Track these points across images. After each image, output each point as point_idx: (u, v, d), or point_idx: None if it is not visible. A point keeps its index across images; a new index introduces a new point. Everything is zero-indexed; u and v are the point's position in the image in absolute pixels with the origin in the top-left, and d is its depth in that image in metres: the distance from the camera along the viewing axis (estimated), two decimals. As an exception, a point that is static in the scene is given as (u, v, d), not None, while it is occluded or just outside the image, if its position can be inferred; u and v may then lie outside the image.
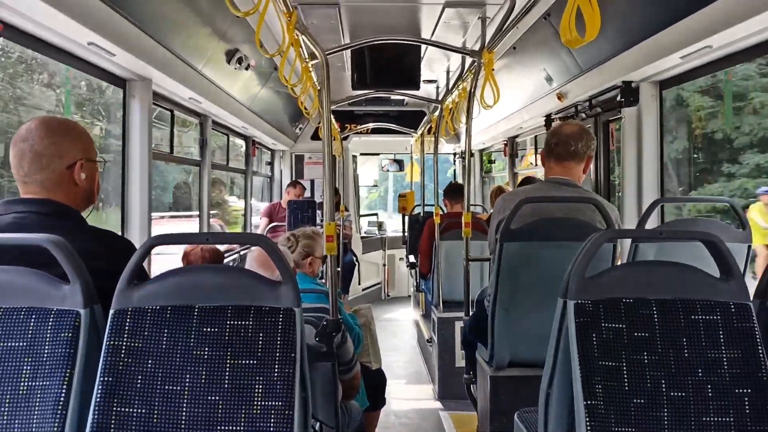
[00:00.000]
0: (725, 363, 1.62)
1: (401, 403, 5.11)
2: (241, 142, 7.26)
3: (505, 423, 2.77)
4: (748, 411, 1.58)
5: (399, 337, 7.47)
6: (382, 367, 3.97)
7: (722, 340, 1.64)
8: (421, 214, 8.09)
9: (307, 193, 9.20)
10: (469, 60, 4.76)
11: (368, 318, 4.34)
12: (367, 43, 4.56)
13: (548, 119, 5.44)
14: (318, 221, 6.83)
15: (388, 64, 5.63)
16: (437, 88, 7.55)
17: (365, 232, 10.65)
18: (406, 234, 8.65)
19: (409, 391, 5.48)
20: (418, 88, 5.88)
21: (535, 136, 6.68)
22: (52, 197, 1.84)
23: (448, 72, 6.64)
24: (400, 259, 10.13)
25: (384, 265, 10.22)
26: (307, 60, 3.53)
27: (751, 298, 1.71)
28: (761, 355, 1.61)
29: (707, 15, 2.75)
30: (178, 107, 4.67)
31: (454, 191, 6.02)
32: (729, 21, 2.66)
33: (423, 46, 5.61)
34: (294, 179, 8.65)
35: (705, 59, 3.22)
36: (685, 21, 2.90)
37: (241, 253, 6.05)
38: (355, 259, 8.34)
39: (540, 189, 2.91)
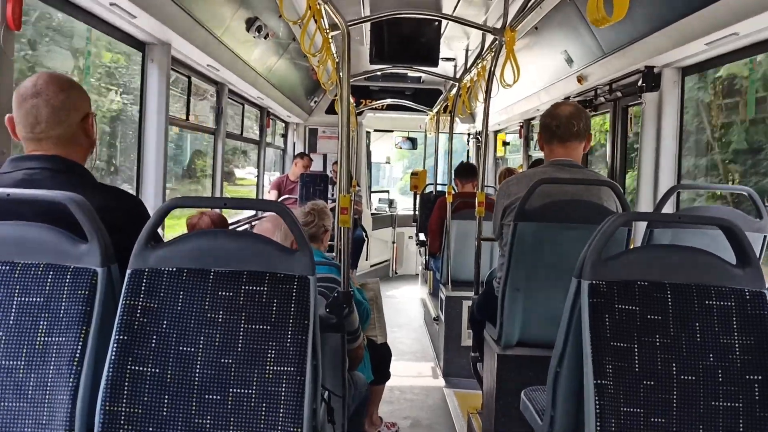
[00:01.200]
0: (737, 349, 1.62)
1: (406, 379, 5.15)
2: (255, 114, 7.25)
3: (510, 400, 2.79)
4: (757, 397, 1.58)
5: (405, 315, 7.51)
6: (388, 343, 4.00)
7: (735, 327, 1.64)
8: (433, 193, 8.08)
9: (320, 167, 9.21)
10: (489, 39, 4.71)
11: (375, 292, 4.36)
12: (389, 16, 4.52)
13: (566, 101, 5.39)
14: (330, 195, 6.84)
15: (407, 40, 5.58)
16: (455, 66, 7.49)
17: (376, 209, 10.65)
18: (416, 212, 8.64)
19: (414, 367, 5.52)
20: (436, 65, 5.84)
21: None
22: (62, 152, 1.83)
23: (467, 50, 6.58)
24: (410, 237, 10.14)
25: (393, 242, 10.24)
26: (328, 31, 3.51)
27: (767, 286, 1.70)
28: None
29: (734, 2, 2.70)
30: (196, 74, 4.66)
31: (465, 171, 6.00)
32: (756, 8, 2.61)
33: (443, 23, 5.56)
34: (303, 151, 8.64)
35: (730, 47, 3.17)
36: (712, 7, 2.85)
37: (253, 223, 6.07)
38: (364, 234, 8.35)
39: (545, 171, 2.88)
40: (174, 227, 4.50)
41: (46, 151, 1.83)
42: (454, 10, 5.02)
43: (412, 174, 9.60)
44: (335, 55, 4.07)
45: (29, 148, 1.85)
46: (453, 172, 6.06)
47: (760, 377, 1.59)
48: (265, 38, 4.71)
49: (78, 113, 1.87)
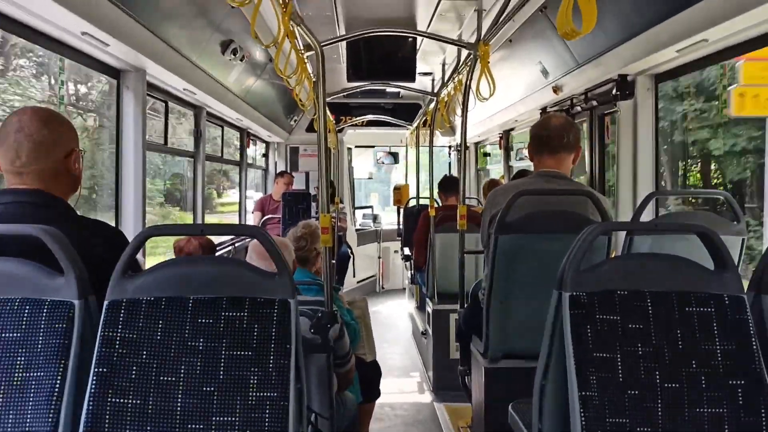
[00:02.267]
0: (719, 355, 1.63)
1: (396, 395, 5.12)
2: (234, 135, 7.23)
3: (499, 414, 2.77)
4: (741, 402, 1.59)
5: (394, 330, 7.49)
6: (377, 359, 3.98)
7: (716, 332, 1.65)
8: (417, 207, 8.09)
9: (302, 185, 9.19)
10: (465, 52, 4.75)
11: (363, 310, 4.35)
12: (363, 35, 4.54)
13: (544, 112, 5.44)
14: (313, 213, 6.82)
15: (384, 56, 5.62)
16: (432, 80, 7.54)
17: (360, 225, 10.64)
18: (401, 227, 8.64)
19: (403, 383, 5.49)
20: (413, 80, 5.87)
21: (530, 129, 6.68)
22: (44, 187, 1.82)
23: (443, 64, 6.63)
24: (395, 251, 10.14)
25: (379, 257, 10.22)
26: (302, 51, 3.52)
27: (746, 291, 1.72)
28: (755, 348, 1.62)
29: (703, 9, 2.75)
30: (173, 98, 4.65)
31: (448, 184, 6.02)
32: (725, 15, 2.66)
33: (419, 39, 5.59)
34: (283, 170, 8.63)
35: (701, 53, 3.22)
36: (680, 15, 2.90)
37: (236, 245, 6.04)
38: (349, 251, 8.33)
39: (533, 182, 2.90)
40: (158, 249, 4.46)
41: (28, 185, 1.82)
42: (428, 26, 5.06)
43: (395, 188, 9.62)
44: (311, 75, 4.08)
45: (11, 182, 1.84)
46: (437, 185, 6.08)
47: (743, 382, 1.60)
48: (241, 60, 4.72)
49: (61, 149, 1.86)
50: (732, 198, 2.85)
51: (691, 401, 1.60)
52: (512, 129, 7.26)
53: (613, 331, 1.65)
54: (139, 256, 1.99)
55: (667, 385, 1.61)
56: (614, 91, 3.91)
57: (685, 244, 2.46)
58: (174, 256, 3.14)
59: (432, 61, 6.62)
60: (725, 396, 1.60)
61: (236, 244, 6.11)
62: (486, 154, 9.27)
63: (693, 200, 4.48)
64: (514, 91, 5.69)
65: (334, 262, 2.94)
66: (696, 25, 2.85)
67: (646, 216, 3.16)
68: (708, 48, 3.10)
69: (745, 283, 1.75)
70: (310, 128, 9.07)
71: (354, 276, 9.15)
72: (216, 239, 5.16)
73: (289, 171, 8.78)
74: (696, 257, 1.77)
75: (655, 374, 1.62)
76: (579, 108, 4.64)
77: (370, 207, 11.82)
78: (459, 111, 4.76)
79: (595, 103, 4.39)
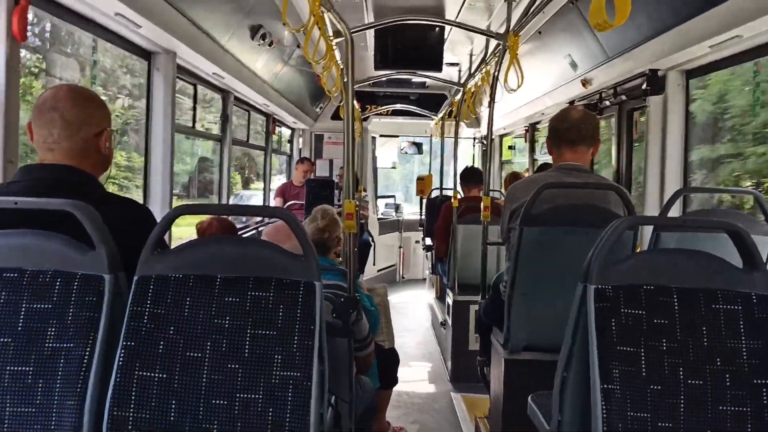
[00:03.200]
0: (744, 353, 1.62)
1: (413, 383, 5.14)
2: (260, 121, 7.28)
3: (518, 406, 2.78)
4: (765, 402, 1.57)
5: (412, 319, 7.51)
6: (395, 347, 4.00)
7: (742, 331, 1.63)
8: (439, 198, 8.08)
9: (326, 172, 9.22)
10: (493, 43, 4.72)
11: (383, 297, 4.37)
12: (393, 23, 4.53)
13: (571, 105, 5.39)
14: (336, 201, 6.84)
15: (411, 46, 5.61)
16: (459, 71, 7.50)
17: (382, 214, 10.66)
18: (423, 217, 8.65)
19: (421, 371, 5.51)
20: (440, 70, 5.85)
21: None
22: (74, 164, 1.86)
23: (471, 55, 6.59)
24: (416, 241, 10.14)
25: (400, 247, 10.24)
26: (332, 38, 3.52)
27: None
28: None
29: (738, 4, 2.70)
30: (201, 82, 4.68)
31: (470, 175, 5.99)
32: (760, 11, 2.61)
33: (447, 28, 5.56)
34: (304, 156, 8.67)
35: (734, 49, 3.16)
36: (715, 9, 2.85)
37: (259, 229, 6.08)
38: (371, 239, 8.36)
39: (553, 176, 2.88)
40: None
41: (58, 161, 1.86)
42: (457, 16, 5.03)
43: (418, 179, 9.61)
44: (339, 62, 4.08)
45: (42, 157, 1.88)
46: (458, 176, 6.06)
47: (767, 381, 1.59)
48: (269, 46, 4.73)
49: (92, 128, 1.89)
50: (762, 197, 2.80)
51: (715, 399, 1.59)
52: (538, 122, 7.20)
53: (638, 326, 1.64)
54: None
55: (691, 382, 1.60)
56: (644, 86, 3.85)
57: (713, 242, 2.43)
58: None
59: (459, 52, 6.58)
60: (749, 395, 1.59)
61: (259, 228, 6.16)
62: (511, 147, 9.21)
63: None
64: (542, 84, 5.64)
65: (356, 249, 2.95)
66: (730, 21, 2.80)
67: (674, 213, 3.13)
68: (742, 44, 3.05)
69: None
70: (336, 116, 9.08)
71: (374, 264, 9.18)
72: (238, 225, 5.21)
73: (313, 158, 8.82)
74: (723, 256, 1.75)
75: (679, 370, 1.61)
76: (608, 102, 4.59)
77: (393, 196, 11.82)
78: (485, 102, 4.74)
79: (624, 97, 4.34)
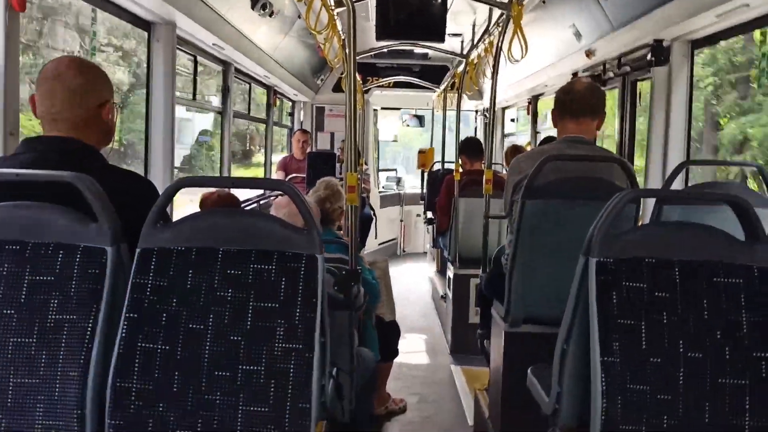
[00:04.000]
0: (745, 326, 1.62)
1: (413, 355, 5.19)
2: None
3: (517, 378, 2.80)
4: (764, 375, 1.58)
5: (413, 292, 7.54)
6: (396, 320, 4.02)
7: (743, 304, 1.64)
8: (441, 171, 8.06)
9: (327, 145, 9.19)
10: (496, 13, 4.66)
11: (384, 270, 4.38)
12: (394, -8, 4.47)
13: (575, 77, 5.33)
14: (338, 174, 6.83)
15: (413, 15, 5.53)
16: (462, 42, 7.41)
17: (383, 187, 10.64)
18: (424, 190, 8.63)
19: (421, 344, 5.56)
20: (443, 40, 5.77)
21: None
22: (77, 135, 1.85)
23: (473, 26, 6.50)
24: (417, 215, 10.15)
25: (401, 220, 10.25)
26: (333, 7, 3.48)
27: None
28: None
29: (747, -28, 2.66)
30: (202, 53, 4.64)
31: (472, 147, 5.95)
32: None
33: (450, -2, 5.49)
34: (299, 128, 8.62)
35: (741, 18, 3.12)
36: (722, -24, 2.81)
37: (261, 202, 6.08)
38: (372, 213, 8.35)
39: (557, 148, 2.87)
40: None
41: (61, 132, 1.85)
42: (461, -15, 4.96)
43: (420, 152, 9.57)
44: (341, 32, 4.04)
45: (45, 129, 1.87)
46: (459, 148, 6.03)
47: (767, 354, 1.59)
48: (270, 16, 4.67)
49: (95, 98, 1.88)
50: (765, 169, 2.79)
51: (714, 371, 1.59)
52: (541, 94, 7.14)
53: (639, 299, 1.64)
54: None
55: (690, 355, 1.61)
56: (649, 57, 3.81)
57: (716, 216, 2.43)
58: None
59: (462, 22, 6.50)
60: (748, 367, 1.60)
61: (261, 202, 6.16)
62: (512, 120, 9.15)
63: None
64: (545, 55, 5.58)
65: (357, 222, 2.95)
66: (739, -11, 2.76)
67: (677, 186, 3.12)
68: (750, 12, 3.00)
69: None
70: (337, 88, 9.01)
71: (376, 238, 9.20)
72: (241, 198, 5.20)
73: (314, 131, 8.77)
74: (726, 228, 1.74)
75: (679, 343, 1.61)
76: (611, 74, 4.54)
77: (394, 170, 11.79)
78: (488, 74, 4.69)
79: (628, 69, 4.29)
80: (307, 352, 1.58)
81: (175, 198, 1.84)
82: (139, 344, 1.58)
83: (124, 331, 1.59)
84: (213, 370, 1.57)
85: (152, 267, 1.63)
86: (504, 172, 7.09)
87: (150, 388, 1.57)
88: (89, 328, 1.60)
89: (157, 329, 1.59)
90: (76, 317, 1.61)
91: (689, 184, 3.79)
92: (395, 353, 3.96)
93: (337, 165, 7.07)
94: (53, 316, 1.61)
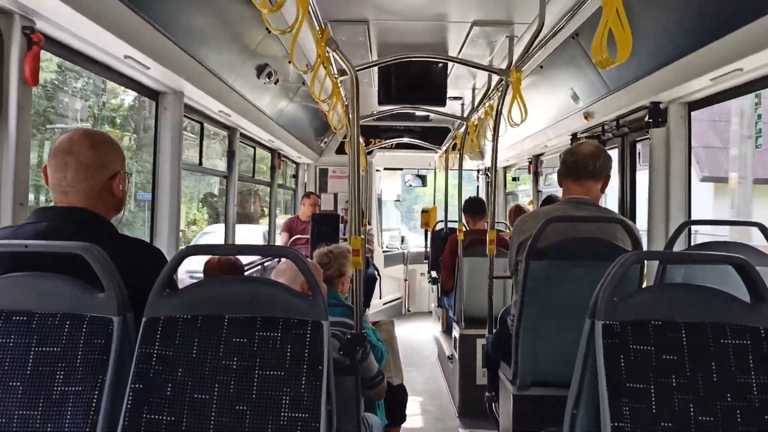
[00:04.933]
0: (755, 388, 1.61)
1: (421, 419, 5.09)
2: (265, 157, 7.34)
3: None
4: None
5: (419, 353, 7.45)
6: (403, 383, 3.96)
7: (752, 365, 1.63)
8: (444, 230, 8.08)
9: (331, 206, 9.25)
10: (495, 78, 4.78)
11: (390, 333, 4.34)
12: (395, 60, 4.60)
13: (574, 138, 5.42)
14: (341, 234, 6.85)
15: (415, 81, 5.67)
16: (462, 105, 7.57)
17: (387, 246, 10.65)
18: (428, 249, 8.64)
19: (428, 407, 5.45)
20: (444, 104, 5.91)
21: (560, 155, 6.65)
22: (88, 206, 1.89)
23: (473, 89, 6.66)
24: (422, 274, 10.12)
25: (405, 280, 10.21)
26: (336, 76, 3.58)
27: None
28: None
29: (738, 38, 2.74)
30: (208, 119, 4.74)
31: (474, 207, 5.99)
32: (760, 44, 2.65)
33: (450, 64, 5.64)
34: (310, 191, 8.69)
35: (735, 82, 3.20)
36: (715, 43, 2.89)
37: (265, 264, 6.08)
38: (376, 273, 8.34)
39: (560, 209, 2.90)
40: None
41: (71, 203, 1.89)
42: (459, 52, 5.10)
43: (423, 211, 9.63)
44: (344, 98, 4.14)
45: (56, 199, 1.91)
46: (462, 208, 6.07)
47: None
48: (275, 84, 4.80)
49: (106, 171, 1.93)
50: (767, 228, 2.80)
51: None
52: (542, 154, 7.24)
53: (647, 362, 1.63)
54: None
55: (702, 419, 1.58)
56: (647, 119, 3.88)
57: (720, 275, 2.43)
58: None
59: (462, 86, 6.66)
60: (761, 430, 1.57)
61: (265, 264, 6.17)
62: (514, 179, 9.24)
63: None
64: (545, 117, 5.69)
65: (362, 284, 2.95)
66: (731, 54, 2.84)
67: (680, 244, 3.13)
68: (743, 77, 3.08)
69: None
70: (340, 150, 9.15)
71: (380, 298, 9.15)
72: (245, 259, 5.21)
73: (318, 192, 8.84)
74: (731, 288, 1.75)
75: (690, 407, 1.59)
76: (610, 135, 4.62)
77: (398, 229, 11.83)
78: (489, 135, 4.78)
79: (626, 129, 4.37)
80: (314, 422, 1.56)
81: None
82: (145, 415, 1.57)
83: (129, 402, 1.58)
84: None
85: (158, 336, 1.64)
86: (507, 231, 7.11)
87: None
88: (95, 400, 1.59)
89: (163, 400, 1.58)
90: (81, 388, 1.60)
91: (693, 242, 3.80)
92: (403, 418, 3.89)
93: (341, 226, 7.10)
94: (59, 388, 1.60)
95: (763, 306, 1.68)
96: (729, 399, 1.60)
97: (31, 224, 1.85)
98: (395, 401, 3.67)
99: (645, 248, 3.32)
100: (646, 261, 3.10)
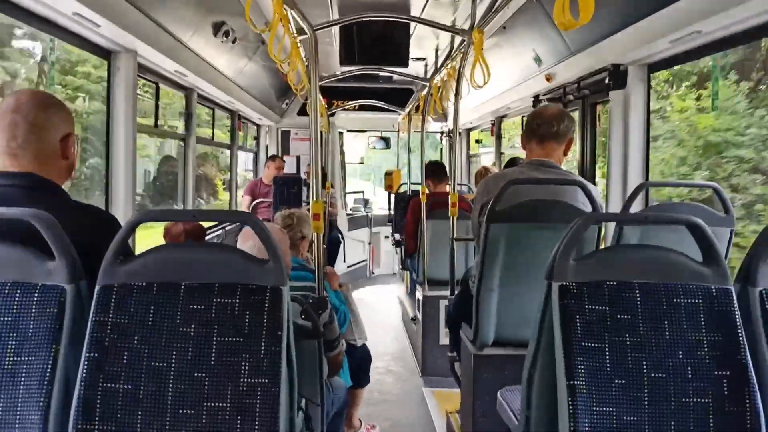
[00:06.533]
0: (705, 346, 1.65)
1: (385, 379, 5.16)
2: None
3: (488, 400, 2.81)
4: (726, 393, 1.61)
5: (383, 315, 7.52)
6: (367, 345, 4.00)
7: (703, 324, 1.67)
8: (408, 193, 8.09)
9: (293, 169, 9.17)
10: (458, 39, 4.73)
11: (347, 297, 4.36)
12: (356, 20, 4.51)
13: (536, 100, 5.44)
14: (304, 197, 6.81)
15: (377, 41, 5.58)
16: (425, 66, 7.51)
17: (351, 209, 10.63)
18: (391, 212, 8.65)
19: (393, 368, 5.53)
20: (406, 65, 5.84)
21: (523, 117, 6.68)
22: (37, 170, 1.82)
23: (437, 50, 6.61)
24: (386, 237, 10.16)
25: (369, 242, 10.24)
26: (296, 35, 3.49)
27: (733, 282, 1.74)
28: (740, 339, 1.65)
29: (697, 1, 2.75)
30: (164, 80, 4.61)
31: (435, 171, 6.01)
32: (719, 7, 2.67)
33: (412, 24, 5.57)
34: (274, 154, 8.58)
35: (694, 44, 3.22)
36: (675, 5, 2.91)
37: (227, 229, 6.02)
38: (340, 236, 8.33)
39: (523, 171, 2.92)
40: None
41: (22, 167, 1.81)
42: (422, 11, 5.03)
43: (387, 173, 9.61)
44: (304, 59, 4.05)
45: (5, 163, 1.83)
46: (424, 172, 6.08)
47: (728, 372, 1.63)
48: (233, 42, 4.68)
49: (57, 132, 1.85)
50: (722, 190, 2.87)
51: (677, 391, 1.62)
52: (504, 116, 7.26)
53: (602, 321, 1.67)
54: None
55: (654, 375, 1.63)
56: (607, 81, 3.91)
57: (675, 234, 2.48)
58: (163, 240, 3.13)
59: (425, 47, 6.59)
60: (710, 386, 1.63)
61: (227, 228, 6.10)
62: (477, 141, 9.27)
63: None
64: (507, 79, 5.68)
65: (325, 247, 2.94)
66: (690, 16, 2.85)
67: (637, 206, 3.18)
68: (702, 39, 3.11)
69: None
70: (302, 112, 9.03)
71: (344, 261, 9.17)
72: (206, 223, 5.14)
73: (280, 155, 8.74)
74: (685, 248, 1.79)
75: (642, 364, 1.64)
76: (571, 97, 4.64)
77: (361, 192, 11.80)
78: (452, 97, 4.76)
79: (587, 92, 4.39)
80: (274, 386, 1.56)
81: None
82: (101, 384, 1.55)
83: (84, 371, 1.55)
84: (177, 409, 1.54)
85: (112, 304, 1.60)
86: (469, 193, 7.16)
87: (113, 430, 1.53)
88: (49, 370, 1.56)
89: (119, 368, 1.55)
90: (34, 358, 1.56)
91: (649, 204, 3.87)
92: (367, 380, 3.93)
93: (304, 189, 7.06)
94: (11, 358, 1.56)
95: (714, 266, 1.72)
96: (681, 356, 1.64)
97: None
98: (359, 363, 3.71)
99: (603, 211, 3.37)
100: (604, 223, 3.15)
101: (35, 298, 1.60)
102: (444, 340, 4.94)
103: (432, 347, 5.12)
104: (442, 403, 4.43)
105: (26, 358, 1.56)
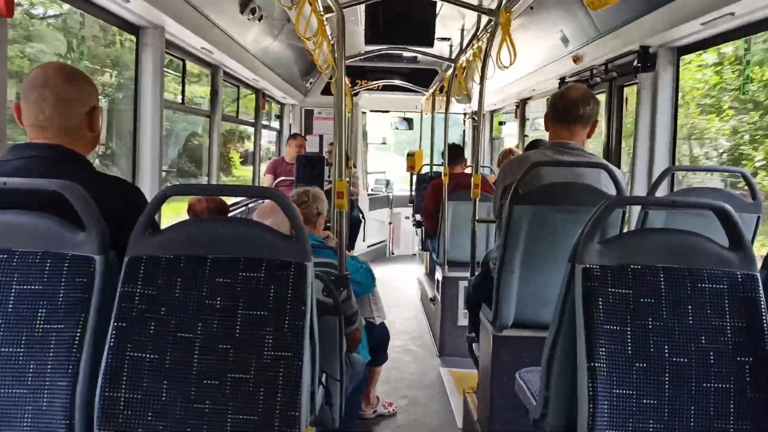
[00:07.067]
0: (729, 331, 1.64)
1: (403, 358, 5.20)
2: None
3: (505, 381, 2.82)
4: (748, 379, 1.61)
5: (402, 295, 7.55)
6: (385, 323, 4.03)
7: (727, 309, 1.66)
8: (429, 174, 8.07)
9: (316, 148, 9.19)
10: (485, 19, 4.68)
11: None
12: (382, -2, 4.49)
13: (562, 82, 5.37)
14: (326, 177, 6.83)
15: (402, 20, 5.55)
16: (450, 46, 7.44)
17: (372, 190, 10.64)
18: (413, 193, 8.65)
19: (410, 347, 5.57)
20: (431, 45, 5.80)
21: (548, 99, 6.61)
22: (64, 142, 1.85)
23: (462, 30, 6.53)
24: (406, 217, 10.16)
25: (390, 223, 10.26)
26: (322, 13, 3.48)
27: (759, 269, 1.72)
28: (765, 325, 1.63)
29: (731, -19, 2.70)
30: (190, 57, 4.63)
31: (451, 153, 5.98)
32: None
33: (438, 3, 5.51)
34: (296, 132, 8.59)
35: (726, 26, 3.16)
36: (708, -14, 2.85)
37: (250, 206, 6.07)
38: (361, 216, 8.36)
39: (546, 153, 2.89)
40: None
41: (49, 140, 1.84)
42: (448, -10, 4.98)
43: (408, 155, 9.59)
44: (330, 37, 4.04)
45: (32, 136, 1.86)
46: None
47: (750, 359, 1.62)
48: (259, 20, 4.68)
49: (84, 106, 1.88)
50: (749, 175, 2.83)
51: (699, 376, 1.62)
52: (529, 98, 7.19)
53: (625, 305, 1.66)
54: None
55: (676, 359, 1.63)
56: (635, 63, 3.85)
57: (700, 219, 2.46)
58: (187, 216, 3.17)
59: (451, 26, 6.52)
60: (732, 372, 1.62)
61: (249, 205, 6.15)
62: (501, 123, 9.19)
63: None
64: (533, 60, 5.62)
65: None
66: (723, -2, 2.80)
67: (662, 190, 3.15)
68: (734, 21, 3.04)
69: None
70: (326, 91, 9.02)
71: (364, 240, 9.20)
72: (229, 200, 5.19)
73: (303, 133, 8.76)
74: (711, 233, 1.77)
75: (664, 348, 1.63)
76: (598, 79, 4.58)
77: (383, 172, 11.80)
78: (476, 78, 4.72)
79: (615, 74, 4.33)
80: (297, 360, 1.59)
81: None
82: (128, 353, 1.58)
83: (112, 340, 1.59)
84: (202, 379, 1.57)
85: (141, 275, 1.63)
86: (492, 175, 7.12)
87: (139, 398, 1.56)
88: (77, 338, 1.59)
89: (146, 338, 1.59)
90: (64, 326, 1.60)
91: (675, 187, 3.83)
92: (385, 357, 3.97)
93: (326, 168, 7.07)
94: (41, 326, 1.60)
95: (740, 251, 1.70)
96: (703, 341, 1.64)
97: (8, 161, 1.80)
98: (377, 341, 3.74)
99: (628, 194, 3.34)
100: (628, 206, 3.13)
101: (65, 268, 1.64)
102: (462, 320, 4.96)
103: (450, 327, 5.15)
104: (459, 383, 4.46)
105: (56, 326, 1.60)
